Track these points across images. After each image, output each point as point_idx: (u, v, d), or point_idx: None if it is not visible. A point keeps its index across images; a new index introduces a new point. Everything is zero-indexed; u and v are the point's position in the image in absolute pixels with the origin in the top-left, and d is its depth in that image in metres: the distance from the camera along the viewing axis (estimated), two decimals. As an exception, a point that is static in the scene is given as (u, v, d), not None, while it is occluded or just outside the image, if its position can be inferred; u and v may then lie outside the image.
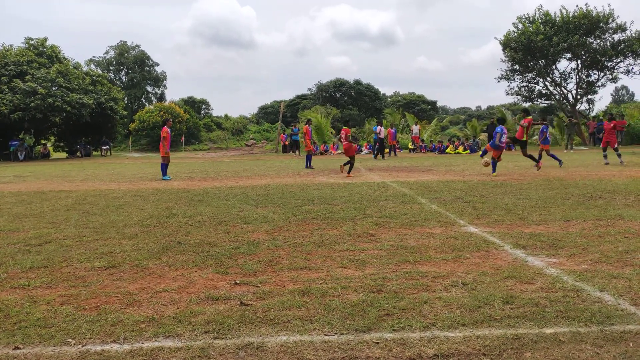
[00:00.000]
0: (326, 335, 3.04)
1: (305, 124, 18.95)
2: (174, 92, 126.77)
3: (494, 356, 2.72)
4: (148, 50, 54.39)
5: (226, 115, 52.75)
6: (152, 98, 54.97)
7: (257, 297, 3.73)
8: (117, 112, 33.33)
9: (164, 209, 8.03)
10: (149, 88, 54.98)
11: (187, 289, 3.97)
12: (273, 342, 2.95)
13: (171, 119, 14.24)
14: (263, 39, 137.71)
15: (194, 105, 49.98)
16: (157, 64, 55.04)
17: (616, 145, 15.59)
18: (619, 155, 15.27)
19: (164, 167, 13.72)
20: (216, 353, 2.83)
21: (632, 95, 78.07)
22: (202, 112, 51.94)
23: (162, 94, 55.71)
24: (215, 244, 5.48)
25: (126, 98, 47.15)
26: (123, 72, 53.70)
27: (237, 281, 4.13)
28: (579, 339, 2.90)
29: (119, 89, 37.57)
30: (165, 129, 13.61)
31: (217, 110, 56.88)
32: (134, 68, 52.86)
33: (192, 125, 43.97)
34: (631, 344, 2.83)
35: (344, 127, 14.64)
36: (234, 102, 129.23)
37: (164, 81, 55.63)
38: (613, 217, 6.51)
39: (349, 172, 13.82)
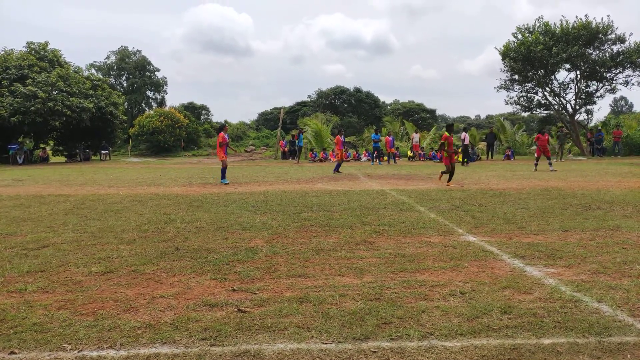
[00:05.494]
0: (324, 343, 3.03)
1: (337, 134, 19.51)
2: (173, 98, 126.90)
3: (492, 366, 2.71)
4: (145, 55, 54.49)
5: (226, 121, 52.87)
6: (153, 103, 55.15)
7: (255, 304, 3.72)
8: (117, 116, 33.38)
9: (162, 214, 8.02)
10: (149, 93, 55.17)
11: (185, 295, 3.96)
12: (270, 349, 2.94)
13: (227, 125, 14.97)
14: (259, 45, 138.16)
15: (194, 110, 50.13)
16: (158, 70, 55.33)
17: (550, 155, 18.27)
18: (550, 164, 17.77)
19: (223, 172, 14.00)
20: (213, 360, 2.81)
21: (631, 106, 78.46)
22: (202, 117, 52.08)
23: (163, 99, 55.91)
24: (214, 250, 5.47)
25: (126, 103, 47.27)
26: (124, 77, 53.90)
27: (235, 288, 4.12)
28: (577, 350, 2.89)
29: (119, 93, 37.65)
30: (222, 134, 14.01)
31: (217, 116, 57.07)
32: (134, 73, 53.05)
33: (192, 130, 44.06)
34: (629, 356, 2.83)
35: (445, 133, 12.98)
36: (233, 108, 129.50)
37: (165, 86, 55.86)
38: (611, 228, 6.51)
39: (448, 181, 12.70)
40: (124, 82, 53.69)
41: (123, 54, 52.99)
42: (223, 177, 13.98)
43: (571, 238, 5.95)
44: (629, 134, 30.17)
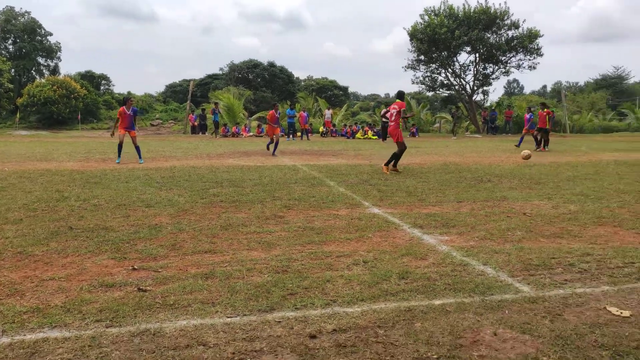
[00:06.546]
0: (228, 317, 3.01)
1: (272, 110, 16.31)
2: (68, 66, 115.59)
3: (388, 328, 2.88)
4: (35, 18, 48.91)
5: (129, 93, 49.54)
6: (44, 71, 50.00)
7: (157, 283, 3.59)
8: (2, 85, 29.81)
9: (54, 191, 7.38)
10: (40, 60, 49.85)
11: (78, 276, 3.71)
12: (172, 327, 2.87)
13: (132, 99, 12.72)
14: (165, 13, 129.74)
15: (93, 80, 46.25)
16: (51, 34, 49.90)
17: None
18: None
19: (119, 148, 12.10)
20: (108, 342, 2.68)
21: (522, 88, 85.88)
22: (102, 88, 48.30)
23: (56, 66, 50.86)
24: (112, 228, 5.16)
25: (13, 70, 42.39)
26: (10, 41, 48.02)
27: (136, 267, 3.93)
28: (463, 309, 3.17)
29: (4, 59, 33.56)
30: (122, 108, 12.15)
31: (119, 87, 53.32)
32: (22, 37, 47.48)
33: (90, 102, 40.68)
34: (507, 311, 3.16)
35: (397, 100, 10.54)
36: (137, 79, 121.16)
37: (58, 53, 50.75)
38: (498, 199, 7.16)
39: (394, 166, 10.31)
40: (10, 47, 47.85)
41: (9, 15, 47.02)
42: (118, 155, 12.08)
43: (464, 208, 6.45)
44: (519, 114, 33.18)
